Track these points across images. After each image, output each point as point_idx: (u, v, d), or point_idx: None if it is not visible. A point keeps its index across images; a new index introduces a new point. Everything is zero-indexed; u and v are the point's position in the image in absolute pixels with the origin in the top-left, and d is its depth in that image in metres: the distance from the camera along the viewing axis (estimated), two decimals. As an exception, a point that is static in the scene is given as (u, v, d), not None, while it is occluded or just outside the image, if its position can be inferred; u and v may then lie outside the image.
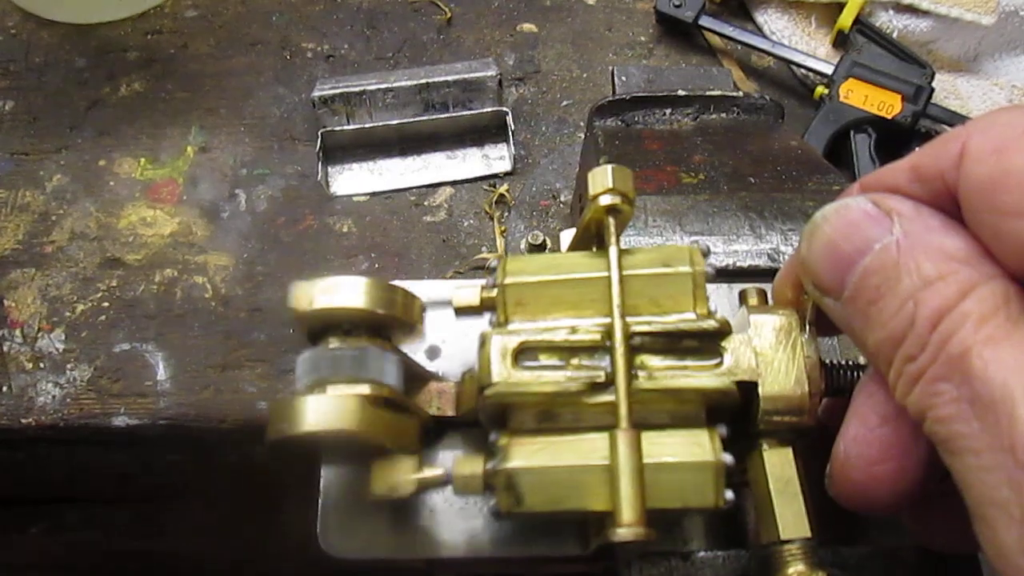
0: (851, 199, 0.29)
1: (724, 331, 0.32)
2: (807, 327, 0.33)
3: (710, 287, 0.33)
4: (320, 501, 0.36)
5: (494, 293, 0.33)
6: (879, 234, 0.27)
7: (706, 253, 0.34)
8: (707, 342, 0.32)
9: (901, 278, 0.26)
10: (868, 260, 0.27)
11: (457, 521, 0.36)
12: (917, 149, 0.30)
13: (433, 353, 0.39)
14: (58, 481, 0.76)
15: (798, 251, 0.30)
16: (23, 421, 0.60)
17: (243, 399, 0.60)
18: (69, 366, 0.61)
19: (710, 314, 0.33)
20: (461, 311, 0.34)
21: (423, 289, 0.35)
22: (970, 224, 0.26)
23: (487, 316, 0.33)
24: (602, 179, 0.32)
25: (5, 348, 0.62)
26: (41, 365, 0.61)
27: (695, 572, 0.34)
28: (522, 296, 0.32)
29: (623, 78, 0.56)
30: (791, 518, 0.31)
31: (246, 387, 0.60)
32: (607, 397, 0.31)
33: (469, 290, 0.33)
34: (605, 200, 0.32)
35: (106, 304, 0.64)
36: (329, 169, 0.69)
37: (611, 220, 0.32)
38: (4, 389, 0.60)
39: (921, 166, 0.28)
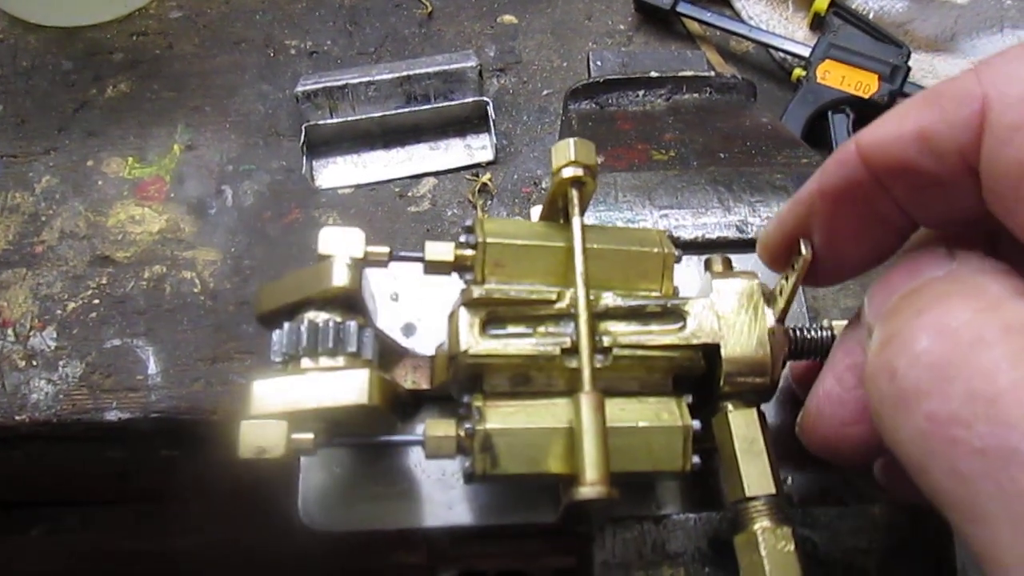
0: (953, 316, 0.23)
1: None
2: (784, 293, 0.33)
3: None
4: (300, 477, 0.37)
5: (468, 252, 0.33)
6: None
7: (673, 239, 0.35)
8: (670, 309, 0.33)
9: None
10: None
11: (435, 492, 0.36)
12: (912, 103, 0.26)
13: (408, 330, 0.40)
14: (55, 482, 0.77)
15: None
16: (17, 418, 0.61)
17: (233, 391, 0.61)
18: (61, 363, 0.62)
19: (676, 294, 0.34)
20: (432, 267, 0.33)
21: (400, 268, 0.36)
22: (994, 209, 0.24)
23: (454, 276, 0.33)
24: (564, 152, 0.33)
25: (-2, 347, 0.63)
26: (34, 363, 0.62)
27: (667, 535, 0.35)
28: (502, 257, 0.33)
29: (598, 63, 0.57)
30: (756, 476, 0.32)
31: (236, 379, 0.61)
32: (574, 363, 0.31)
33: (443, 245, 0.33)
34: (568, 172, 0.32)
35: (96, 301, 0.64)
36: (314, 163, 0.70)
37: (575, 192, 0.33)
38: (-2, 387, 0.61)
39: (932, 136, 0.24)
